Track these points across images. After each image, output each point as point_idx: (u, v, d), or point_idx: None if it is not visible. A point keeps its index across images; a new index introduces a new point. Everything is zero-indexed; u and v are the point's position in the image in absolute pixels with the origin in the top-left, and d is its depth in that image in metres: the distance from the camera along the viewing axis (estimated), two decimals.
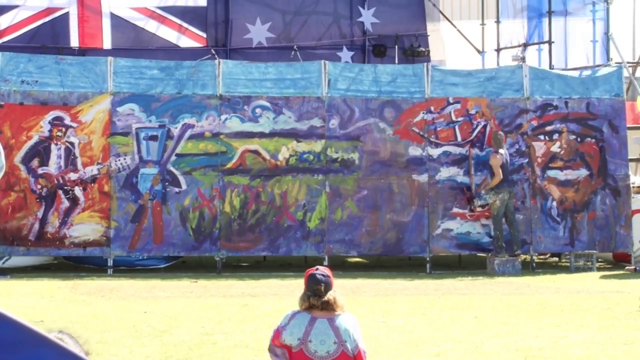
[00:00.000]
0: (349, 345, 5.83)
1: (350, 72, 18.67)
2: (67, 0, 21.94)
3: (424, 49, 23.22)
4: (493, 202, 18.02)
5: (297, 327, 5.84)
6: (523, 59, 23.03)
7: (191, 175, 17.87)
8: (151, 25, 22.34)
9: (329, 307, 5.84)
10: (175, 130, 17.85)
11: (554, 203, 18.73)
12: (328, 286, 5.92)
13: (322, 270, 6.06)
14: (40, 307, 12.56)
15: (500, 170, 17.98)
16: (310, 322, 5.81)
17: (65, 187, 17.45)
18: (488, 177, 18.25)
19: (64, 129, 17.49)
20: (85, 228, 17.52)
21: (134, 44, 21.98)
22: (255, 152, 18.01)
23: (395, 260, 19.62)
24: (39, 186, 17.38)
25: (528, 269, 18.61)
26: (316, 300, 5.84)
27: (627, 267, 18.58)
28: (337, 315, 5.88)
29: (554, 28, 23.28)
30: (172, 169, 17.84)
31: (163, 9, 22.38)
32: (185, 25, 22.39)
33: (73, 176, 17.49)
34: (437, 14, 24.55)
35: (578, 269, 18.44)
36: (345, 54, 23.05)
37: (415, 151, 18.40)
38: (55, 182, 17.42)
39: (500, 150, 18.12)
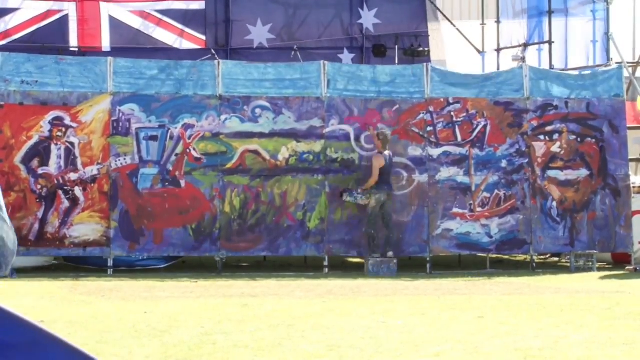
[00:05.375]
0: None
1: (349, 72, 18.68)
2: (67, 2, 21.96)
3: (424, 49, 23.23)
4: (368, 203, 17.78)
5: None
6: (523, 59, 23.05)
7: (191, 175, 17.87)
8: (150, 29, 22.35)
9: None
10: (175, 131, 17.85)
11: (554, 203, 18.73)
12: None
13: None
14: (40, 307, 12.55)
15: (378, 172, 17.73)
16: None
17: (65, 187, 17.46)
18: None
19: (64, 129, 17.50)
20: (85, 228, 17.52)
21: (132, 46, 21.97)
22: (255, 152, 18.02)
23: None
24: (39, 186, 17.39)
25: (528, 269, 18.62)
26: None
27: (627, 267, 18.59)
28: None
29: (554, 28, 23.30)
30: (172, 169, 17.83)
31: (161, 12, 22.40)
32: (184, 28, 22.41)
33: (73, 176, 17.50)
34: (437, 14, 24.55)
35: (578, 269, 18.44)
36: (347, 56, 23.07)
37: (415, 151, 18.40)
38: (55, 182, 17.43)
39: (385, 152, 17.90)
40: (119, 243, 17.61)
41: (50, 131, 17.46)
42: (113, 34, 22.11)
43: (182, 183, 17.84)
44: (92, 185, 17.55)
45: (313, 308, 12.50)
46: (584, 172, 18.90)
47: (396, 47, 22.89)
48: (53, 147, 17.47)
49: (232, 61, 19.31)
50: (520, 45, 23.92)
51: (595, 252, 18.69)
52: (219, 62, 18.37)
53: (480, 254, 19.16)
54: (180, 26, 22.42)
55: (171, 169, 17.82)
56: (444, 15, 24.79)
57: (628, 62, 22.23)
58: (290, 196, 18.06)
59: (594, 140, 18.98)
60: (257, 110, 18.10)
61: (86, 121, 17.59)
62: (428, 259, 18.30)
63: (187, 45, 22.48)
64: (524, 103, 18.75)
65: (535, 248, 18.72)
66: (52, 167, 17.47)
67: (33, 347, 1.94)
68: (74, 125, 17.54)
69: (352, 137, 18.24)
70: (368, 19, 23.42)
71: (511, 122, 18.69)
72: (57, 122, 17.48)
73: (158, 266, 18.23)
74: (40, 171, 17.42)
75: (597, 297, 14.10)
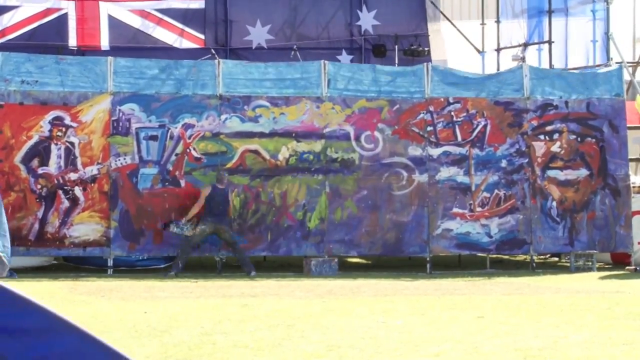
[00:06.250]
0: None
1: (349, 72, 18.68)
2: (66, 1, 21.95)
3: (424, 49, 23.22)
4: (192, 234, 17.30)
5: None
6: (523, 59, 23.05)
7: (191, 175, 17.87)
8: (149, 28, 22.34)
9: None
10: (175, 130, 17.85)
11: (554, 203, 18.73)
12: None
13: None
14: None
15: (202, 202, 17.35)
16: None
17: (65, 187, 17.45)
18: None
19: (64, 129, 17.49)
20: (85, 228, 17.51)
21: (132, 45, 21.96)
22: (255, 152, 18.02)
23: (395, 261, 19.62)
24: (39, 186, 17.38)
25: (528, 269, 18.62)
26: None
27: (627, 267, 18.59)
28: None
29: (554, 28, 23.30)
30: (172, 169, 17.83)
31: (161, 11, 22.39)
32: (183, 27, 22.40)
33: (73, 176, 17.49)
34: (437, 14, 24.56)
35: (578, 269, 18.44)
36: (346, 57, 23.06)
37: (415, 151, 18.40)
38: (55, 182, 17.42)
39: (219, 185, 17.52)
40: (118, 243, 17.61)
41: (50, 131, 17.46)
42: (112, 33, 22.10)
43: (182, 183, 17.83)
44: (92, 185, 17.55)
45: (313, 308, 12.50)
46: (583, 172, 18.90)
47: (396, 47, 22.89)
48: (53, 146, 17.46)
49: (232, 61, 19.30)
50: (520, 45, 23.92)
51: (595, 252, 18.69)
52: (219, 62, 18.36)
53: (480, 254, 19.16)
54: (180, 25, 22.41)
55: (171, 168, 17.82)
56: (444, 15, 24.79)
57: (628, 62, 22.23)
58: (290, 196, 18.06)
59: (594, 140, 18.98)
60: (258, 110, 18.10)
61: (86, 121, 17.59)
62: (428, 259, 18.30)
63: (186, 44, 22.47)
64: (524, 103, 18.75)
65: (535, 248, 18.72)
66: (52, 167, 17.46)
67: (47, 333, 1.98)
68: (74, 125, 17.54)
69: (352, 136, 18.25)
70: (368, 19, 23.42)
71: (511, 122, 18.69)
72: (57, 122, 17.48)
73: (158, 266, 18.22)
74: (40, 171, 17.41)
75: (597, 297, 14.10)
